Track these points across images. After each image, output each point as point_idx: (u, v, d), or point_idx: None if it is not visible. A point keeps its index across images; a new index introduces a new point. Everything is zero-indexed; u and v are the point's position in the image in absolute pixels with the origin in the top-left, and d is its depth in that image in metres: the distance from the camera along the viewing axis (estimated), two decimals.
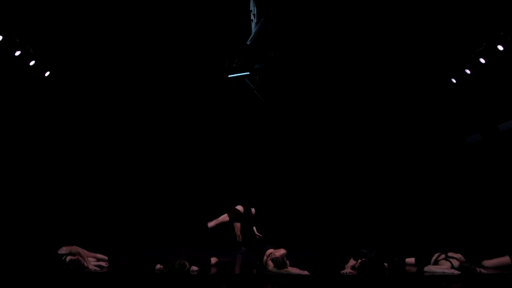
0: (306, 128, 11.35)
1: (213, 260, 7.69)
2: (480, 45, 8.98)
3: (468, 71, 9.55)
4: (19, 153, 10.23)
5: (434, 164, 10.93)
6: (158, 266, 6.99)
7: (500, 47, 8.63)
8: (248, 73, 9.47)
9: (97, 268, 7.03)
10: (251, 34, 9.80)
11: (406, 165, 11.05)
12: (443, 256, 6.91)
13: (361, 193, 11.04)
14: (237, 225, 9.54)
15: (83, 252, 7.05)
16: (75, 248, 6.99)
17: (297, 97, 11.25)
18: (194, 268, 6.88)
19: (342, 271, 6.81)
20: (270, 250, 6.95)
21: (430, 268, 6.84)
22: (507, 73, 8.92)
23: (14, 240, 9.07)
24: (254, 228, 9.56)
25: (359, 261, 6.81)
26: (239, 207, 9.58)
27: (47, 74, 9.78)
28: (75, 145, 11.07)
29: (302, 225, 10.80)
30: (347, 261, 7.03)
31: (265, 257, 6.97)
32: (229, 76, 9.57)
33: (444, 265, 6.77)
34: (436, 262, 6.91)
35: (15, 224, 9.53)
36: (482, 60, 9.09)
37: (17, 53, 8.95)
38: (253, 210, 9.67)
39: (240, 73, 9.58)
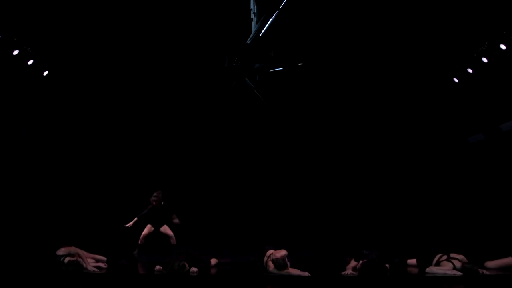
0: (307, 128, 11.29)
1: (213, 261, 7.66)
2: (483, 44, 8.93)
3: (470, 71, 9.49)
4: (19, 153, 10.20)
5: (436, 164, 10.87)
6: (158, 267, 6.96)
7: (503, 46, 8.56)
8: None
9: (96, 269, 7.01)
10: (251, 33, 9.73)
11: (408, 165, 10.99)
12: (445, 257, 6.88)
13: (362, 193, 10.98)
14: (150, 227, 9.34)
15: (82, 253, 7.03)
16: (74, 249, 6.97)
17: (297, 97, 11.19)
18: (194, 269, 6.84)
19: (343, 272, 6.78)
20: (271, 251, 6.90)
21: (432, 269, 6.81)
22: (509, 72, 8.87)
23: (14, 241, 9.04)
24: None
25: (360, 262, 6.77)
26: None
27: (45, 73, 9.73)
28: (74, 145, 11.03)
29: (303, 225, 10.74)
30: (348, 262, 6.99)
31: (265, 258, 6.92)
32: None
33: (446, 266, 6.74)
34: (438, 263, 6.88)
35: (14, 224, 9.50)
36: (485, 59, 9.03)
37: (15, 52, 8.89)
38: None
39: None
